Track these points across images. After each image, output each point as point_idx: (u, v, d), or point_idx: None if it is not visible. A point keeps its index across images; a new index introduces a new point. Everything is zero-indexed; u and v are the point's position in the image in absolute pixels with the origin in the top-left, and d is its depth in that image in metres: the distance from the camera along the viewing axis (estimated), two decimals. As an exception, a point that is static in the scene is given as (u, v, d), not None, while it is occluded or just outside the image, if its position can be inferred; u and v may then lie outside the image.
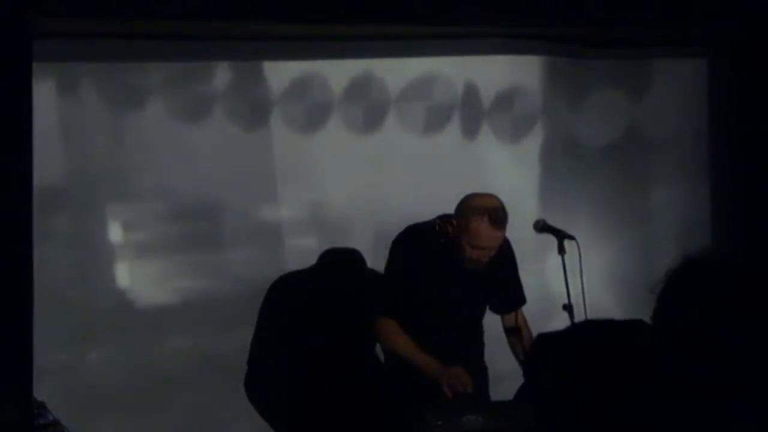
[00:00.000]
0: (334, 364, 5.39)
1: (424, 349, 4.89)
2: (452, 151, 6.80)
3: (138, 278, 6.10)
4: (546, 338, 2.15)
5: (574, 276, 4.90)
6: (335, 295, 5.42)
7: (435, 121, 6.81)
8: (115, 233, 6.12)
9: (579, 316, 4.84)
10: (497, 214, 4.78)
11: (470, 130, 6.88)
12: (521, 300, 5.19)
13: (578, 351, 2.08)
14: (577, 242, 4.95)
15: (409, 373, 4.90)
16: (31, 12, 4.57)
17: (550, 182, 6.93)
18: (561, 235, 4.99)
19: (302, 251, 6.10)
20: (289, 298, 5.43)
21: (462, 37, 6.50)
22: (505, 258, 5.05)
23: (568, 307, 4.89)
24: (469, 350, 5.09)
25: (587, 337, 2.12)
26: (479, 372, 5.09)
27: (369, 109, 6.72)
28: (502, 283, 5.09)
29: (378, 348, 5.29)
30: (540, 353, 2.13)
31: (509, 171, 6.85)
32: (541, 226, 5.09)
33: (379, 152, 6.65)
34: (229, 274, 6.28)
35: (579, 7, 5.83)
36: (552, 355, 2.10)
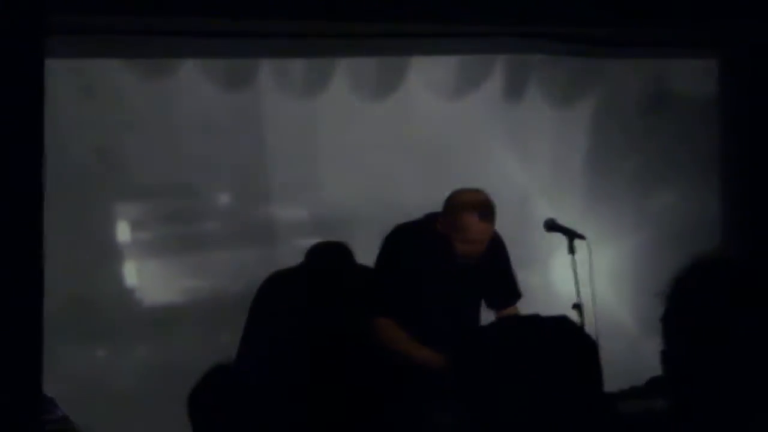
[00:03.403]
0: (327, 362, 5.39)
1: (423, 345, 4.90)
2: (488, 117, 5.89)
3: (123, 278, 5.69)
4: (472, 334, 2.18)
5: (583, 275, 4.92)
6: (325, 291, 5.39)
7: (469, 78, 5.92)
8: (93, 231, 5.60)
9: (588, 316, 4.85)
10: (485, 208, 4.82)
11: (514, 89, 5.95)
12: (516, 294, 5.18)
13: (499, 348, 2.10)
14: (587, 242, 4.96)
15: (410, 370, 4.91)
16: (41, 8, 4.59)
17: (601, 159, 6.18)
18: (571, 235, 5.02)
19: (298, 248, 5.62)
20: (280, 297, 5.42)
21: (464, 36, 6.07)
22: (497, 252, 5.07)
23: (577, 307, 4.91)
24: None
25: (510, 333, 2.14)
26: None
27: (382, 63, 5.82)
28: (495, 277, 5.10)
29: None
30: (465, 350, 2.16)
31: (556, 143, 6.03)
32: (551, 225, 5.11)
33: (394, 120, 5.74)
34: (216, 276, 5.77)
35: (589, 7, 5.82)
36: (475, 352, 2.13)
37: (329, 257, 5.43)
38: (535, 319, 2.15)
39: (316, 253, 5.47)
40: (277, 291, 5.37)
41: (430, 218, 4.97)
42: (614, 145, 6.30)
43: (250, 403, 2.22)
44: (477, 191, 4.90)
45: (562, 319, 2.17)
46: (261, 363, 5.40)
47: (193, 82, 5.59)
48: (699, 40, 6.48)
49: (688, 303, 2.13)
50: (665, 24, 6.01)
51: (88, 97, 5.47)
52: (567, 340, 2.10)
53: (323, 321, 5.26)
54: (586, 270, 4.91)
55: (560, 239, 5.04)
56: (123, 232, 5.67)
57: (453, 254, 4.90)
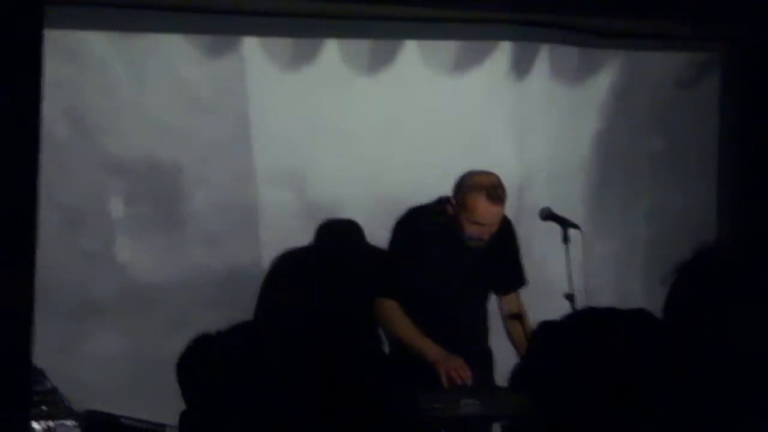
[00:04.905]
0: (335, 346, 5.36)
1: (426, 332, 4.89)
2: (491, 95, 5.58)
3: (95, 259, 5.48)
4: (549, 325, 2.15)
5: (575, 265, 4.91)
6: (334, 270, 5.36)
7: (473, 52, 5.63)
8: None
9: (580, 307, 4.84)
10: (495, 191, 4.84)
11: (521, 64, 5.68)
12: (521, 281, 5.21)
13: (582, 340, 2.08)
14: (581, 231, 4.96)
15: (408, 355, 4.91)
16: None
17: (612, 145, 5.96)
18: (566, 224, 5.02)
19: (281, 229, 5.51)
20: (289, 275, 5.39)
21: (467, 21, 5.85)
22: (506, 237, 5.09)
23: (569, 297, 4.91)
24: (472, 331, 5.10)
25: (592, 326, 2.11)
26: (483, 355, 5.10)
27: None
28: (502, 261, 5.12)
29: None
30: (543, 340, 2.13)
31: (562, 126, 5.78)
32: (546, 215, 5.12)
33: (388, 96, 5.46)
34: (197, 255, 5.51)
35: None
36: (555, 343, 2.09)
37: (340, 235, 5.41)
38: (613, 312, 2.11)
39: (327, 231, 5.44)
40: (287, 269, 5.35)
41: (442, 200, 4.98)
42: (624, 129, 6.18)
43: (236, 368, 2.23)
44: (488, 173, 4.93)
45: (640, 312, 2.14)
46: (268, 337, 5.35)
47: (174, 48, 5.35)
48: (702, 34, 6.46)
49: (689, 294, 2.12)
50: (668, 17, 5.99)
51: (65, 66, 5.26)
52: (646, 333, 2.08)
53: (329, 301, 5.24)
54: (581, 260, 4.90)
55: (556, 228, 5.04)
56: (102, 206, 5.48)
57: (462, 236, 4.91)
